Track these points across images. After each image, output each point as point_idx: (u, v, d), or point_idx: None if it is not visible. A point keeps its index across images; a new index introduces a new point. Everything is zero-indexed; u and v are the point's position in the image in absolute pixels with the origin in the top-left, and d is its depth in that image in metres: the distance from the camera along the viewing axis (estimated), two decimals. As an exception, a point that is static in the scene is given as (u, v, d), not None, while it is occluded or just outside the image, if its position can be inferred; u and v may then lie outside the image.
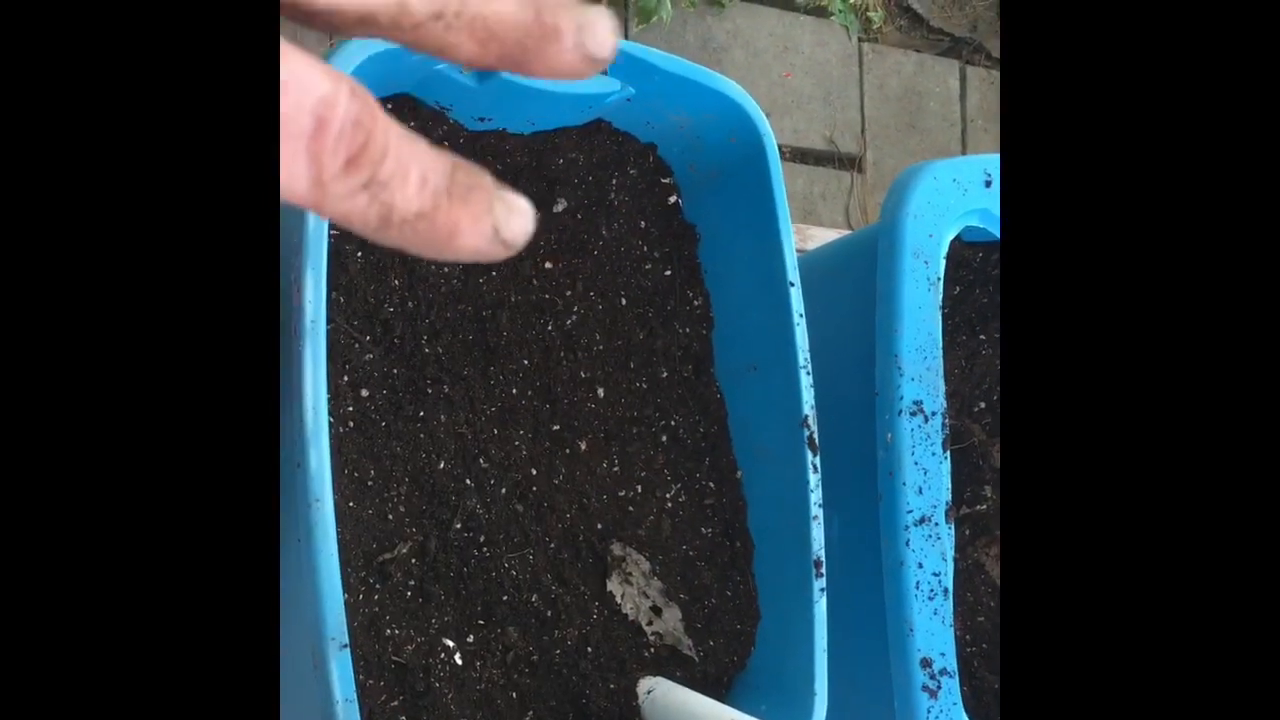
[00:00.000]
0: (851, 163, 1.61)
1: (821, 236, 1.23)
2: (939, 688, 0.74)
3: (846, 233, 1.26)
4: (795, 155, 1.58)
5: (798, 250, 0.78)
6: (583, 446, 0.75)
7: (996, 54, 1.77)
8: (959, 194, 0.82)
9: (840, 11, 1.57)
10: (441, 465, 0.70)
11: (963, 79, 1.74)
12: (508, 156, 0.76)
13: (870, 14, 1.64)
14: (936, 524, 0.76)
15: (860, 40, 1.64)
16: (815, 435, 0.74)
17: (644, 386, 0.79)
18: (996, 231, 0.84)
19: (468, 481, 0.71)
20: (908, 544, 0.75)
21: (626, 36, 1.43)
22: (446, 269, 0.73)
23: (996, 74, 1.76)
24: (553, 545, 0.73)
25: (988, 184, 0.83)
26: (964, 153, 1.72)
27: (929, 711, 0.74)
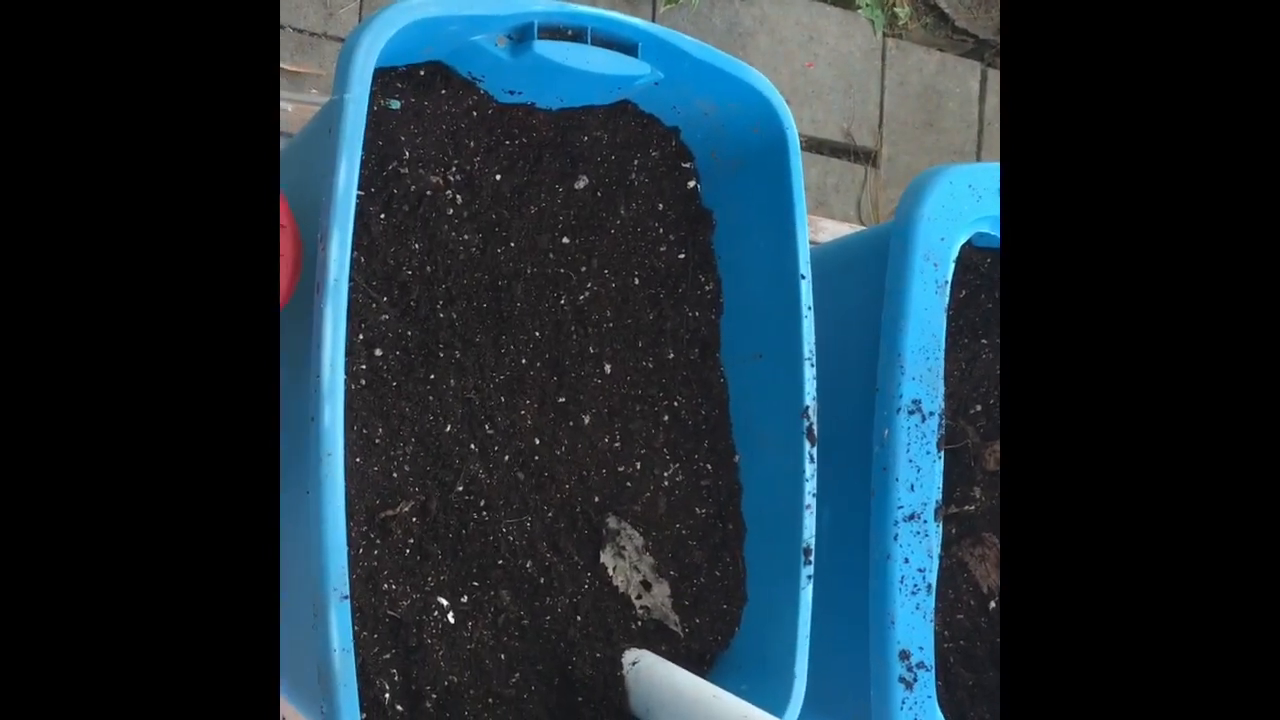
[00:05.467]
0: (866, 156, 1.62)
1: (832, 229, 1.24)
2: (915, 680, 0.76)
3: (857, 226, 1.27)
4: (811, 145, 1.59)
5: (809, 242, 0.80)
6: (586, 420, 0.77)
7: (1019, 59, 1.77)
8: (973, 200, 0.83)
9: (867, 5, 1.58)
10: (448, 428, 0.72)
11: (983, 81, 1.75)
12: (533, 130, 0.77)
13: (897, 9, 1.64)
14: (925, 521, 0.78)
15: (885, 35, 1.64)
16: (814, 426, 0.76)
17: (650, 366, 0.80)
18: (1007, 239, 0.85)
19: (472, 446, 0.72)
20: (896, 539, 0.77)
21: (653, 17, 1.43)
22: (466, 236, 0.74)
23: (1017, 79, 1.77)
24: (550, 514, 0.75)
25: (1002, 192, 0.84)
26: (979, 154, 1.73)
27: (903, 703, 0.76)
